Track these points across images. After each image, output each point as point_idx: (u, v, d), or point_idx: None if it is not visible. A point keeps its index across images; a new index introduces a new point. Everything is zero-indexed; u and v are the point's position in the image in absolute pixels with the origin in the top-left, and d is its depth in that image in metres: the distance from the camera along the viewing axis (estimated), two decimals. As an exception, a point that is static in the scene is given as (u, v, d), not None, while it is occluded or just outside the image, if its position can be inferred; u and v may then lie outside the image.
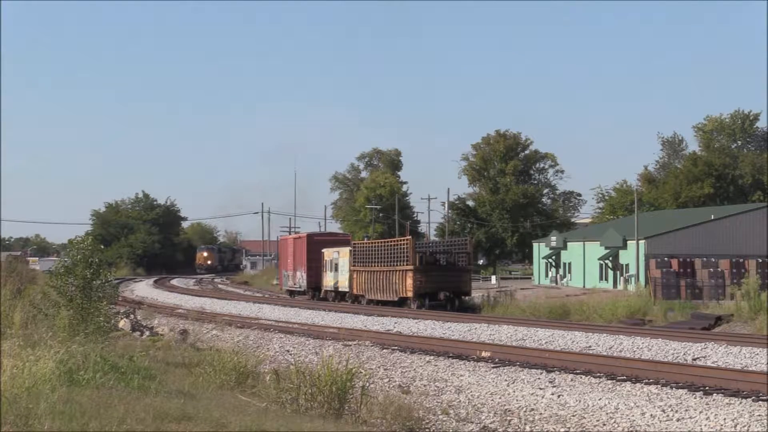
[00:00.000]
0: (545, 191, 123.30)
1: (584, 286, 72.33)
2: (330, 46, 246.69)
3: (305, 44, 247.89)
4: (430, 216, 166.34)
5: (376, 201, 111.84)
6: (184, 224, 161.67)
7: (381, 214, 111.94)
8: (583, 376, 21.77)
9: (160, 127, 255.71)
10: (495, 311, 50.41)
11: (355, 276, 58.22)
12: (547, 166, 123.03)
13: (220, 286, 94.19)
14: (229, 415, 13.09)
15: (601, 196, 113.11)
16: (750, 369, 22.71)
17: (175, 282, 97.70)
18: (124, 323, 31.45)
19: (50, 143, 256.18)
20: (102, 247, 24.44)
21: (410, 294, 51.30)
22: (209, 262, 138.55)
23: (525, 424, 17.05)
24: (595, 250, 74.70)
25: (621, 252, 70.88)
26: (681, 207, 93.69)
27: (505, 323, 37.85)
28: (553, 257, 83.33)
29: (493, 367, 23.86)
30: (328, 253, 63.54)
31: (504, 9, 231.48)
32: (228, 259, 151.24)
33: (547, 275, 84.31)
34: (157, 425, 11.41)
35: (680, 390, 19.47)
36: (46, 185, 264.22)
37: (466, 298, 54.09)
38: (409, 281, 51.31)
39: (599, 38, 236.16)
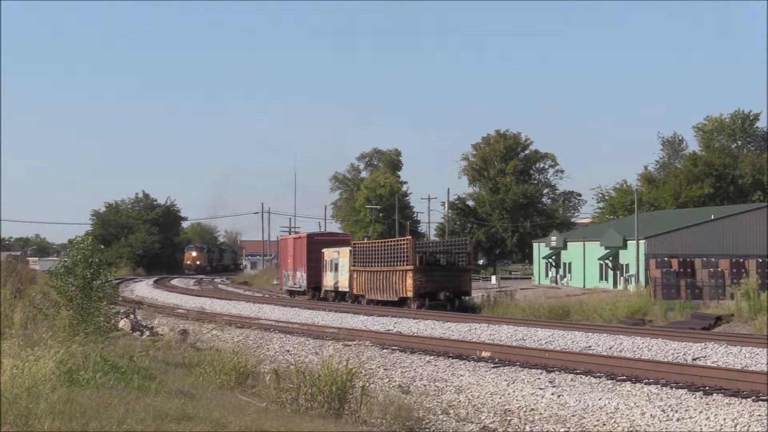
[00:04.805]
0: (545, 191, 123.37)
1: (584, 286, 72.37)
2: (330, 46, 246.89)
3: (305, 44, 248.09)
4: (430, 216, 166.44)
5: (376, 201, 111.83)
6: (184, 224, 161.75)
7: (381, 214, 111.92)
8: (583, 376, 21.77)
9: (160, 127, 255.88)
10: (495, 311, 50.40)
11: (355, 276, 58.22)
12: (547, 166, 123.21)
13: (220, 286, 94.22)
14: (229, 415, 13.09)
15: (601, 196, 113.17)
16: (750, 369, 22.71)
17: (175, 282, 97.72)
18: (124, 323, 31.43)
19: (50, 143, 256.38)
20: (102, 247, 24.43)
21: (410, 294, 51.29)
22: (198, 262, 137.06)
23: (525, 424, 17.05)
24: (595, 250, 74.72)
25: (621, 252, 70.90)
26: (681, 207, 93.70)
27: (505, 323, 37.85)
28: (553, 257, 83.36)
29: (493, 367, 23.85)
30: (328, 253, 63.55)
31: (504, 9, 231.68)
32: (216, 260, 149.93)
33: (547, 275, 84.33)
34: (157, 425, 11.41)
35: (680, 390, 19.47)
36: (46, 185, 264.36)
37: (466, 298, 54.08)
38: (409, 281, 51.31)
39: (599, 38, 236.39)
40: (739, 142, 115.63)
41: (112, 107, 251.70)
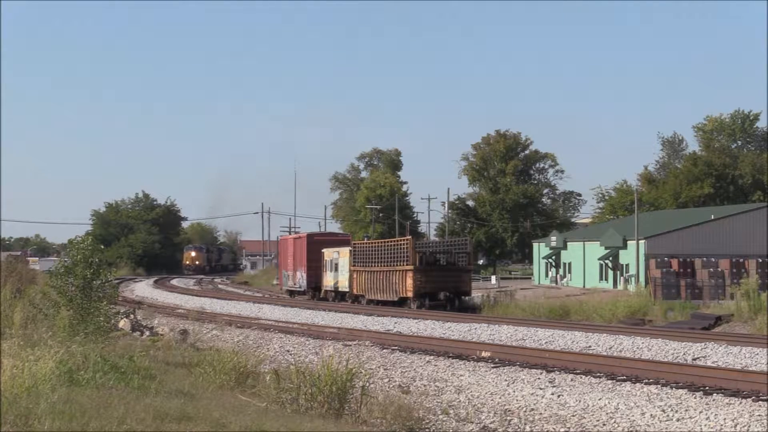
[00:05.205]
0: (545, 191, 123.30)
1: (584, 286, 72.36)
2: (330, 46, 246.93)
3: (305, 44, 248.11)
4: (430, 216, 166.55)
5: (376, 201, 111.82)
6: (184, 224, 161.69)
7: (381, 214, 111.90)
8: (583, 376, 21.77)
9: (160, 127, 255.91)
10: (495, 311, 50.39)
11: (355, 276, 58.22)
12: (547, 166, 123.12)
13: (220, 286, 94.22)
14: (229, 415, 13.09)
15: (601, 196, 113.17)
16: (750, 369, 22.71)
17: (175, 282, 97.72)
18: (124, 323, 31.43)
19: (50, 143, 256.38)
20: (102, 247, 24.42)
21: (410, 294, 51.28)
22: (197, 262, 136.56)
23: (525, 424, 17.04)
24: (595, 250, 74.71)
25: (621, 252, 70.89)
26: (681, 207, 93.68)
27: (505, 323, 37.84)
28: (553, 257, 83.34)
29: (493, 367, 23.86)
30: (328, 253, 63.55)
31: (504, 8, 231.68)
32: (215, 260, 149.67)
33: (547, 275, 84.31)
34: (157, 425, 11.41)
35: (680, 390, 19.47)
36: (46, 185, 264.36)
37: (466, 298, 54.07)
38: (409, 281, 51.30)
39: (599, 38, 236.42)
40: (739, 142, 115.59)
41: (112, 107, 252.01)
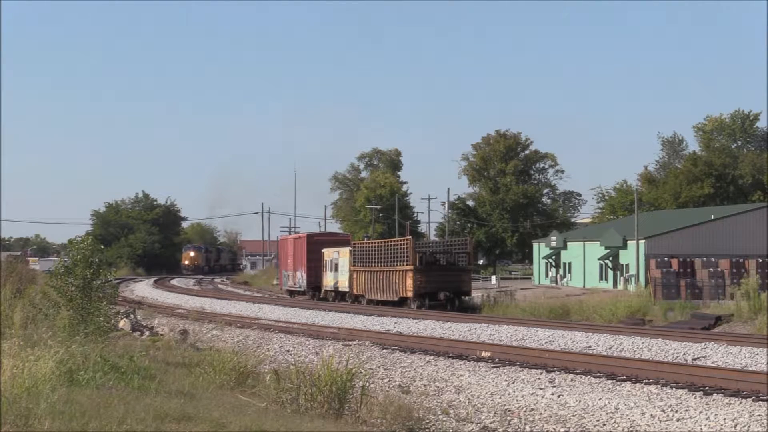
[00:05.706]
0: (545, 191, 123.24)
1: (584, 286, 72.35)
2: (330, 46, 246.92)
3: (305, 44, 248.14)
4: (430, 216, 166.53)
5: (376, 201, 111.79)
6: (184, 224, 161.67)
7: (381, 214, 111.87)
8: (583, 376, 21.77)
9: (160, 127, 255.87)
10: (495, 311, 50.40)
11: (355, 276, 58.22)
12: (547, 166, 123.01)
13: (220, 286, 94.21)
14: (229, 415, 13.09)
15: (601, 196, 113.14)
16: (750, 369, 22.72)
17: (175, 282, 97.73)
18: (124, 323, 31.43)
19: (50, 143, 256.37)
20: (102, 247, 24.40)
21: (410, 294, 51.29)
22: (196, 262, 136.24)
23: (525, 424, 17.04)
24: (595, 250, 74.71)
25: (621, 252, 70.88)
26: (681, 207, 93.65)
27: (505, 323, 37.85)
28: (553, 257, 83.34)
29: (493, 367, 23.86)
30: (328, 253, 63.56)
31: (504, 8, 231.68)
32: (214, 260, 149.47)
33: (547, 275, 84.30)
34: (157, 425, 11.41)
35: (680, 390, 19.47)
36: (46, 185, 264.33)
37: (466, 298, 54.07)
38: (409, 281, 51.31)
39: (599, 38, 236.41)
40: (739, 142, 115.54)
41: (112, 107, 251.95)
